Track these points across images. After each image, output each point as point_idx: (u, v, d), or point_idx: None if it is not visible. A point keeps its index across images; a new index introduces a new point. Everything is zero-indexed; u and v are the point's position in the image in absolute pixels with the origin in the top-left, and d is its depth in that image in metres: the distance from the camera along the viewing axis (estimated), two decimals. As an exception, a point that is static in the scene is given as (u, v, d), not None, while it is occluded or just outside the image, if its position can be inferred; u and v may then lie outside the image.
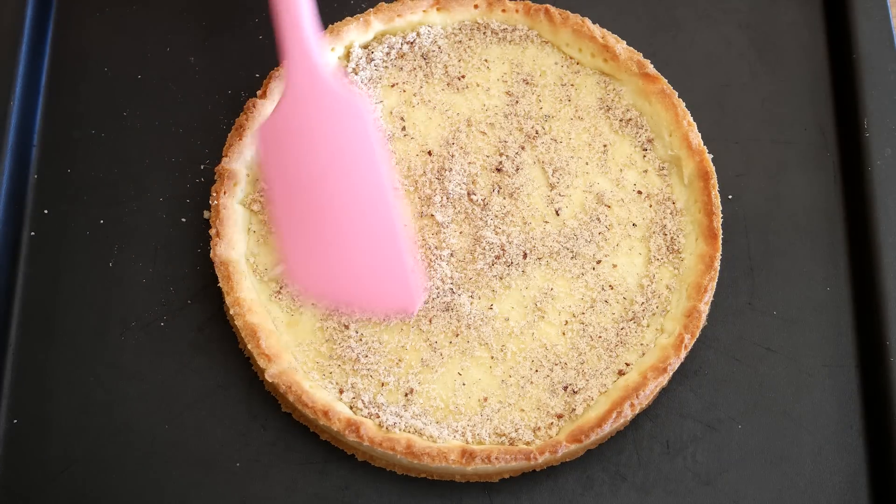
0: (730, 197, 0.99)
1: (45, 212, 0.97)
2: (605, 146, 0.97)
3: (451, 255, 0.92)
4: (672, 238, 0.93)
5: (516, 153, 0.96)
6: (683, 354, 0.89)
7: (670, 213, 0.94)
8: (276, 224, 0.87)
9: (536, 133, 0.97)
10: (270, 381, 0.87)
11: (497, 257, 0.92)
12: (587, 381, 0.89)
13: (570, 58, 1.00)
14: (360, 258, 0.84)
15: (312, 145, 0.85)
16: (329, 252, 0.84)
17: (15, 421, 0.90)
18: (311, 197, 0.85)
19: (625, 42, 0.99)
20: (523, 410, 0.88)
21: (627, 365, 0.89)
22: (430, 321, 0.90)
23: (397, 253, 0.84)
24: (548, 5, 1.00)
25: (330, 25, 0.99)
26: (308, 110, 0.86)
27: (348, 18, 0.99)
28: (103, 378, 0.91)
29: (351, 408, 0.88)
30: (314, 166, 0.85)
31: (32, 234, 0.96)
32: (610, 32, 0.99)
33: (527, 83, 0.99)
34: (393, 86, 0.99)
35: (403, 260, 0.84)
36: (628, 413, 0.87)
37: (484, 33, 1.01)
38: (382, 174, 0.85)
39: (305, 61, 0.86)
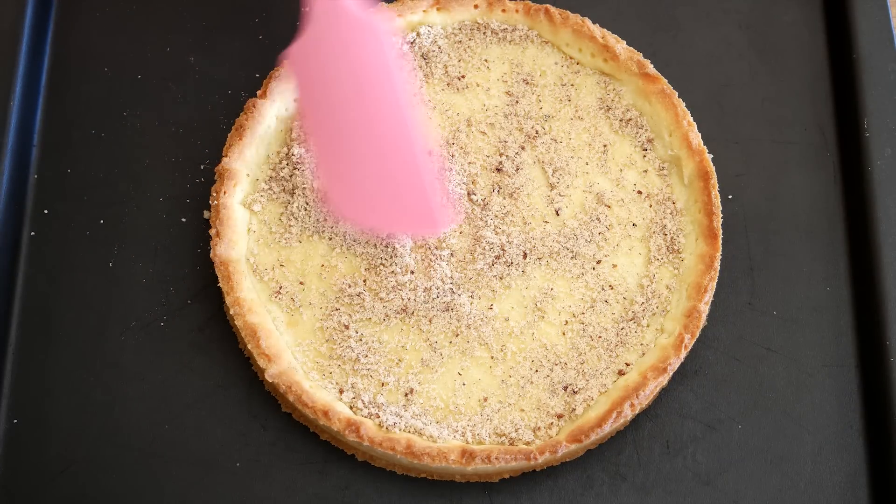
0: (730, 197, 0.99)
1: (45, 212, 0.97)
2: (605, 146, 0.97)
3: (451, 255, 0.92)
4: (672, 238, 0.93)
5: (516, 153, 0.96)
6: (683, 354, 0.89)
7: (670, 213, 0.94)
8: (314, 149, 0.90)
9: (536, 133, 0.97)
10: (270, 381, 0.87)
11: (497, 257, 0.92)
12: (587, 381, 0.89)
13: (570, 58, 1.00)
14: (387, 181, 0.87)
15: (338, 71, 0.87)
16: (360, 175, 0.87)
17: (15, 421, 0.90)
18: (341, 122, 0.87)
19: (625, 42, 0.99)
20: (523, 410, 0.88)
21: (627, 365, 0.89)
22: (430, 321, 0.90)
23: (420, 176, 0.86)
24: (548, 5, 1.00)
25: (330, 25, 0.99)
26: (330, 35, 0.87)
27: (348, 18, 0.99)
28: (103, 378, 0.91)
29: (351, 408, 0.88)
30: (342, 92, 0.86)
31: (32, 234, 0.96)
32: (610, 32, 0.99)
33: (527, 83, 0.99)
34: (393, 86, 0.99)
35: (425, 183, 0.86)
36: (628, 413, 0.87)
37: (484, 33, 1.01)
38: (403, 97, 0.87)
39: None
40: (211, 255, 0.91)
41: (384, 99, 0.87)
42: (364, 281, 0.91)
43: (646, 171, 0.96)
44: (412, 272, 0.91)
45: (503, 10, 1.01)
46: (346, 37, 0.87)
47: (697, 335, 0.89)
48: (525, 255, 0.93)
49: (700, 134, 0.96)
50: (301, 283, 0.92)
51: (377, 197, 0.88)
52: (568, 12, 1.00)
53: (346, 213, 0.89)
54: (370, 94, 0.87)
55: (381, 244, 0.92)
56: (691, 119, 0.96)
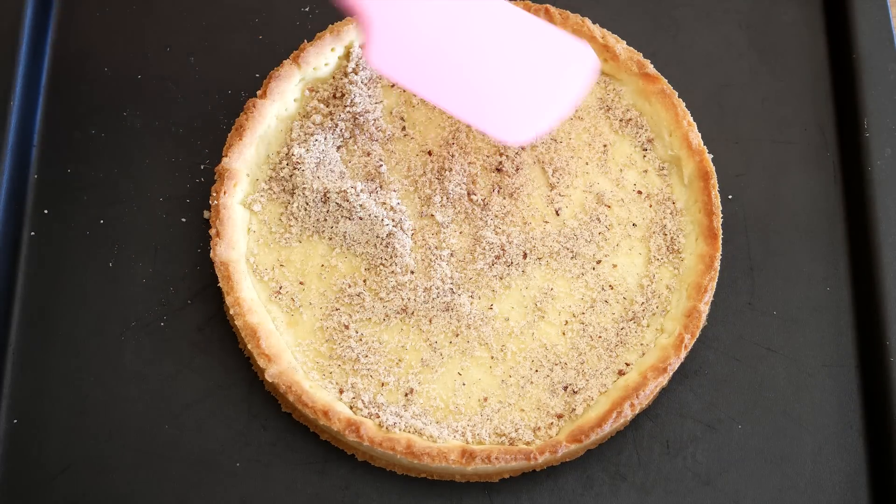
0: (730, 197, 0.99)
1: (45, 212, 0.97)
2: (605, 146, 0.97)
3: (451, 255, 0.92)
4: (672, 238, 0.93)
5: (516, 153, 0.96)
6: (683, 354, 0.89)
7: (670, 213, 0.94)
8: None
9: (536, 133, 0.97)
10: (270, 381, 0.87)
11: (497, 257, 0.92)
12: (587, 381, 0.89)
13: (570, 58, 1.00)
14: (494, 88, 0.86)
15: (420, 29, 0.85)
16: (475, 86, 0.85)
17: (15, 421, 0.90)
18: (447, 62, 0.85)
19: (625, 42, 0.99)
20: (523, 410, 0.88)
21: (627, 365, 0.89)
22: (430, 321, 0.90)
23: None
24: (548, 5, 1.00)
25: (330, 25, 0.99)
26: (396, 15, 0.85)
27: (348, 18, 0.99)
28: (103, 378, 0.91)
29: (351, 408, 0.88)
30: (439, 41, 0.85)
31: (32, 234, 0.96)
32: (610, 32, 0.99)
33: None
34: (393, 86, 0.99)
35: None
36: (628, 413, 0.87)
37: (484, 33, 1.01)
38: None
39: None
40: (211, 255, 0.91)
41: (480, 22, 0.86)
42: (364, 281, 0.91)
43: (646, 171, 0.96)
44: (412, 272, 0.91)
45: (503, 10, 1.01)
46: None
47: (697, 335, 0.89)
48: (525, 255, 0.93)
49: (700, 134, 0.96)
50: (301, 283, 0.92)
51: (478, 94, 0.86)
52: (568, 12, 1.00)
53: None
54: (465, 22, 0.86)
55: (381, 244, 0.92)
56: (691, 119, 0.96)
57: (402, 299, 0.90)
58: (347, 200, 0.91)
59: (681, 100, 0.97)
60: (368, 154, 0.95)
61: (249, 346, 0.88)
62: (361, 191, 0.92)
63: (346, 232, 0.92)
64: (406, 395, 0.88)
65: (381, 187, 0.93)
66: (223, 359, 0.92)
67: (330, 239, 0.93)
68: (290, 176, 0.94)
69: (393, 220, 0.92)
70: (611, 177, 0.96)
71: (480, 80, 0.86)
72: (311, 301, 0.91)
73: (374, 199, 0.92)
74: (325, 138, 0.94)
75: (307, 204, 0.93)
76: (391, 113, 0.98)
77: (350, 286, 0.91)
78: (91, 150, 0.99)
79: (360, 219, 0.91)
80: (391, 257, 0.91)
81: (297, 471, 0.89)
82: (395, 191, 0.94)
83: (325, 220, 0.93)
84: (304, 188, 0.93)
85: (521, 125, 0.87)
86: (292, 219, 0.93)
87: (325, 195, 0.91)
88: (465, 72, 0.86)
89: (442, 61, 0.86)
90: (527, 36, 0.87)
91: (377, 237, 0.92)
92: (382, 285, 0.91)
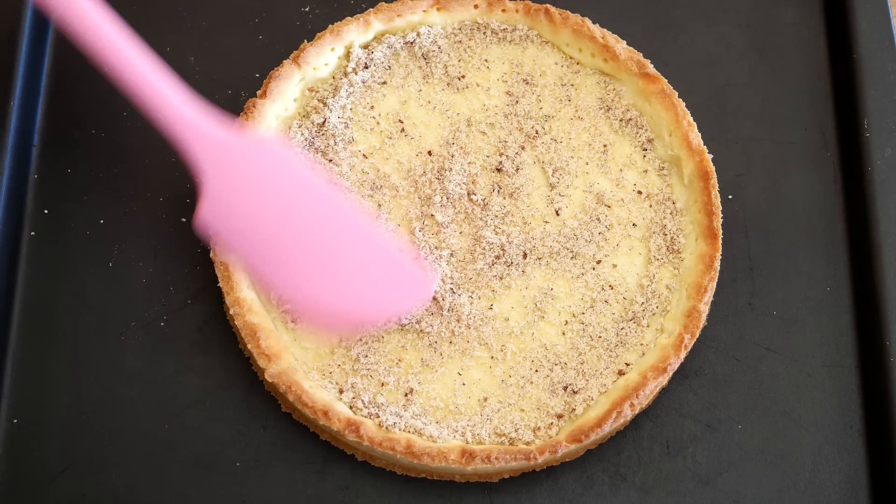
0: (730, 197, 0.99)
1: (45, 212, 0.97)
2: (605, 146, 0.97)
3: (451, 255, 0.92)
4: (672, 238, 0.93)
5: (516, 153, 0.96)
6: (683, 354, 0.89)
7: (670, 213, 0.94)
8: (271, 282, 0.87)
9: (536, 133, 0.97)
10: (270, 380, 0.87)
11: (497, 257, 0.92)
12: (587, 381, 0.89)
13: (570, 58, 1.00)
14: (356, 275, 0.85)
15: (256, 202, 0.85)
16: (326, 282, 0.85)
17: (15, 421, 0.90)
18: (284, 246, 0.84)
19: (625, 42, 0.99)
20: (523, 410, 0.88)
21: (627, 365, 0.89)
22: (430, 321, 0.90)
23: (386, 255, 0.85)
24: (548, 5, 1.00)
25: (330, 25, 0.99)
26: (231, 174, 0.85)
27: (348, 18, 0.99)
28: (103, 378, 0.91)
29: (351, 408, 0.88)
30: (270, 220, 0.84)
31: (32, 234, 0.96)
32: (610, 32, 0.99)
33: (527, 83, 0.99)
34: (384, 82, 0.99)
35: (394, 258, 0.85)
36: (628, 413, 0.87)
37: (484, 33, 1.01)
38: (328, 195, 0.86)
39: (199, 135, 0.86)
40: (211, 255, 0.91)
41: (313, 204, 0.85)
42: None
43: (646, 171, 0.96)
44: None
45: (503, 10, 1.01)
46: (245, 171, 0.85)
47: (697, 335, 0.89)
48: (525, 255, 0.93)
49: (700, 134, 0.96)
50: (301, 283, 0.92)
51: (355, 292, 0.85)
52: (568, 12, 1.00)
53: (333, 322, 0.87)
54: (299, 207, 0.85)
55: None
56: (691, 119, 0.96)
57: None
58: None
59: (681, 100, 0.97)
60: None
61: (249, 346, 0.88)
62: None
63: None
64: (406, 395, 0.88)
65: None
66: (223, 359, 0.92)
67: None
68: None
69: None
70: (611, 177, 0.96)
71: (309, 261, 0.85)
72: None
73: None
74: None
75: None
76: (391, 113, 0.98)
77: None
78: (91, 150, 0.99)
79: None
80: None
81: (297, 471, 0.89)
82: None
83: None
84: None
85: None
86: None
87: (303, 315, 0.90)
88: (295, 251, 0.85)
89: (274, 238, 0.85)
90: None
91: (375, 327, 0.90)
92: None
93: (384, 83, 0.99)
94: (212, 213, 0.85)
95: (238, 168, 0.85)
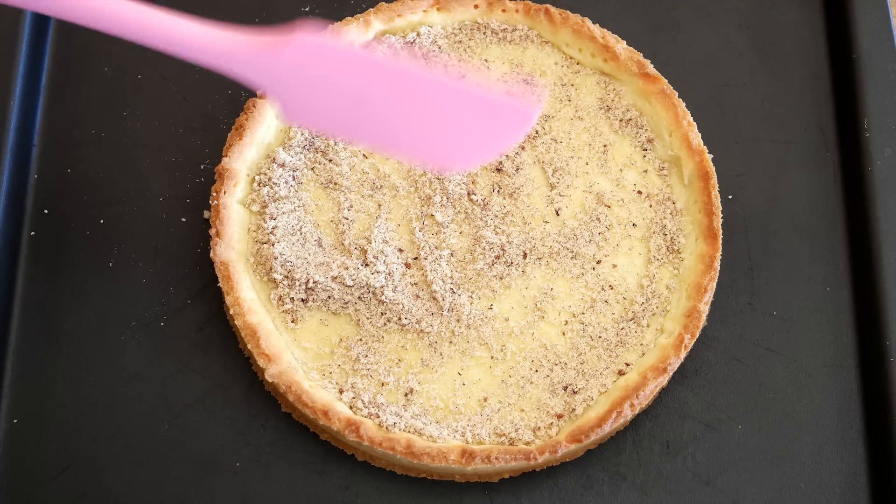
0: (730, 197, 0.99)
1: (45, 212, 0.97)
2: (605, 146, 0.97)
3: (451, 255, 0.92)
4: (672, 238, 0.93)
5: (516, 153, 0.96)
6: (683, 354, 0.89)
7: (670, 213, 0.94)
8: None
9: (536, 133, 0.97)
10: (270, 381, 0.87)
11: (497, 257, 0.92)
12: (587, 381, 0.89)
13: (570, 58, 1.00)
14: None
15: (328, 94, 0.79)
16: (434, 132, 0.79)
17: (15, 421, 0.90)
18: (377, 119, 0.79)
19: (625, 42, 0.99)
20: (523, 410, 0.88)
21: (627, 365, 0.89)
22: (430, 321, 0.90)
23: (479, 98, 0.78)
24: (548, 5, 1.00)
25: (330, 25, 0.99)
26: (291, 78, 0.79)
27: (348, 18, 0.99)
28: (103, 378, 0.91)
29: (351, 408, 0.88)
30: (348, 103, 0.79)
31: (32, 234, 0.96)
32: (610, 32, 0.99)
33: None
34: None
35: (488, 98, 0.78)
36: (628, 413, 0.87)
37: (484, 33, 1.01)
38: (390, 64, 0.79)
39: (241, 59, 0.83)
40: (211, 255, 0.91)
41: (382, 78, 0.78)
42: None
43: (646, 171, 0.96)
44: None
45: (503, 10, 1.01)
46: (302, 70, 0.81)
47: (697, 335, 0.89)
48: (525, 255, 0.93)
49: (700, 134, 0.96)
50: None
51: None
52: (568, 12, 1.00)
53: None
54: (371, 86, 0.80)
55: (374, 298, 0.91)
56: (691, 119, 0.96)
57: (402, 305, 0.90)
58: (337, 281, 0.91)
59: (681, 100, 0.97)
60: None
61: (249, 346, 0.88)
62: (341, 266, 0.91)
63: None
64: (406, 394, 0.88)
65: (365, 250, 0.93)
66: (223, 359, 0.92)
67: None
68: (264, 243, 0.92)
69: (385, 272, 0.91)
70: (611, 177, 0.96)
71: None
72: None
73: (356, 273, 0.91)
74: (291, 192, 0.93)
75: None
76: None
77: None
78: (91, 150, 0.99)
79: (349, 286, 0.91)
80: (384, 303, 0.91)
81: (297, 471, 0.89)
82: (385, 241, 0.92)
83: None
84: (281, 268, 0.91)
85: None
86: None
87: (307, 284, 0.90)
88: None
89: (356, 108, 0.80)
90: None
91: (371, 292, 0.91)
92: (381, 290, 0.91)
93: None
94: (291, 114, 0.80)
95: (295, 70, 0.79)
